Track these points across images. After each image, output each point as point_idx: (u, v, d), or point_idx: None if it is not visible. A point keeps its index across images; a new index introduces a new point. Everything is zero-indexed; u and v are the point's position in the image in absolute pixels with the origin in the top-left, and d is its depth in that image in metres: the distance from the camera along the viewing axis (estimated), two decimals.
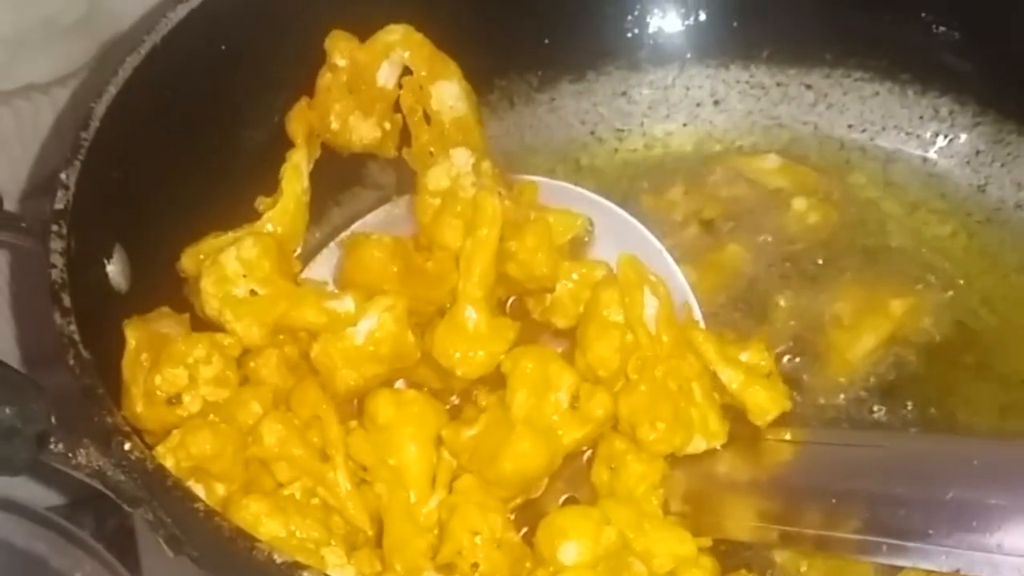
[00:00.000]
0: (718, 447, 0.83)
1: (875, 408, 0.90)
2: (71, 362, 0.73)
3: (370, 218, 0.92)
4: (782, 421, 0.84)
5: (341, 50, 0.90)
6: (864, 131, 1.04)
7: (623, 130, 1.05)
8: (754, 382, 0.83)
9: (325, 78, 0.90)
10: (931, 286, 0.95)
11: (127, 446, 0.71)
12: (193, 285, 0.83)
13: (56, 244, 0.77)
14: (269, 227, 0.86)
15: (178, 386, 0.79)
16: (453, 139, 0.90)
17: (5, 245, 0.95)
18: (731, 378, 0.83)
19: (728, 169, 1.00)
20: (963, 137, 1.02)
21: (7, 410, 0.68)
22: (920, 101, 1.03)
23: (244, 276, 0.82)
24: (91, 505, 1.13)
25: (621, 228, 0.89)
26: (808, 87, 1.04)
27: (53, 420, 0.70)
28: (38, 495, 1.07)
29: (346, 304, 0.82)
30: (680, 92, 1.06)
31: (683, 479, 0.82)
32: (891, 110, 1.03)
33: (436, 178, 0.86)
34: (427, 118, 0.90)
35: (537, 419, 0.80)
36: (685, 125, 1.06)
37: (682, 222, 0.97)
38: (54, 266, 0.76)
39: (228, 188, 0.88)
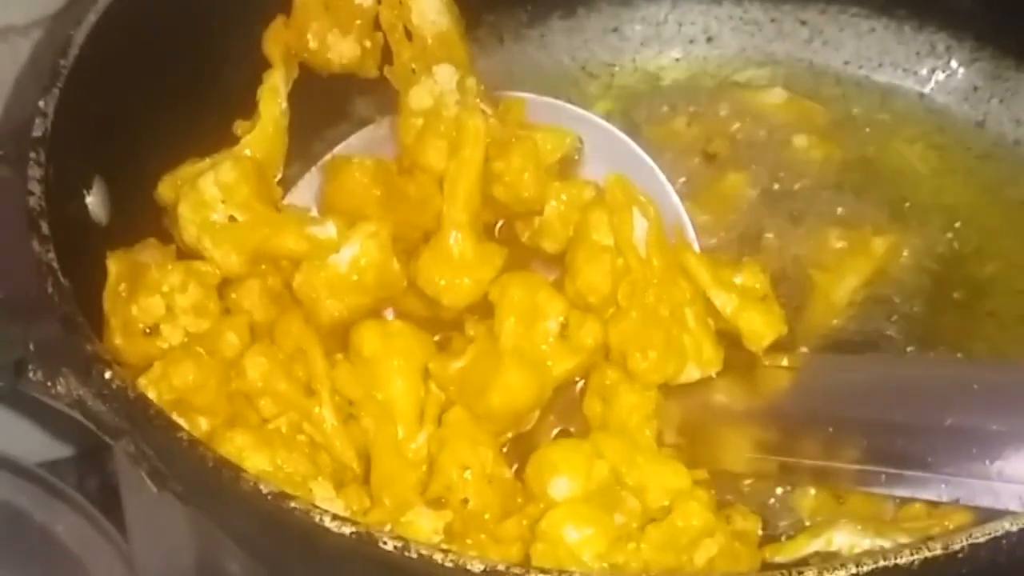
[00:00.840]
0: (713, 375, 0.81)
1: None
2: (49, 290, 0.71)
3: (353, 140, 0.89)
4: (778, 347, 0.82)
5: None
6: (860, 67, 1.02)
7: (614, 66, 1.04)
8: (749, 306, 0.81)
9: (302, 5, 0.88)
10: (925, 223, 0.93)
11: (107, 374, 0.70)
12: (171, 213, 0.81)
13: (34, 172, 0.76)
14: (248, 152, 0.84)
15: (155, 316, 0.78)
16: (436, 55, 0.87)
17: None
18: (725, 302, 0.81)
19: (733, 102, 0.99)
20: (961, 73, 1.00)
21: None
22: (917, 37, 1.01)
23: (223, 201, 0.80)
24: (73, 463, 1.12)
25: (612, 145, 0.87)
26: (803, 23, 1.03)
27: (31, 347, 0.68)
28: (19, 451, 1.05)
29: (328, 230, 0.80)
30: (672, 28, 1.04)
31: (677, 409, 0.80)
32: (887, 46, 1.02)
33: (419, 97, 0.84)
34: (408, 34, 0.88)
35: (526, 349, 0.79)
36: (678, 61, 1.04)
37: (684, 153, 0.95)
38: (32, 193, 0.75)
39: (210, 118, 0.86)
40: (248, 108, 0.86)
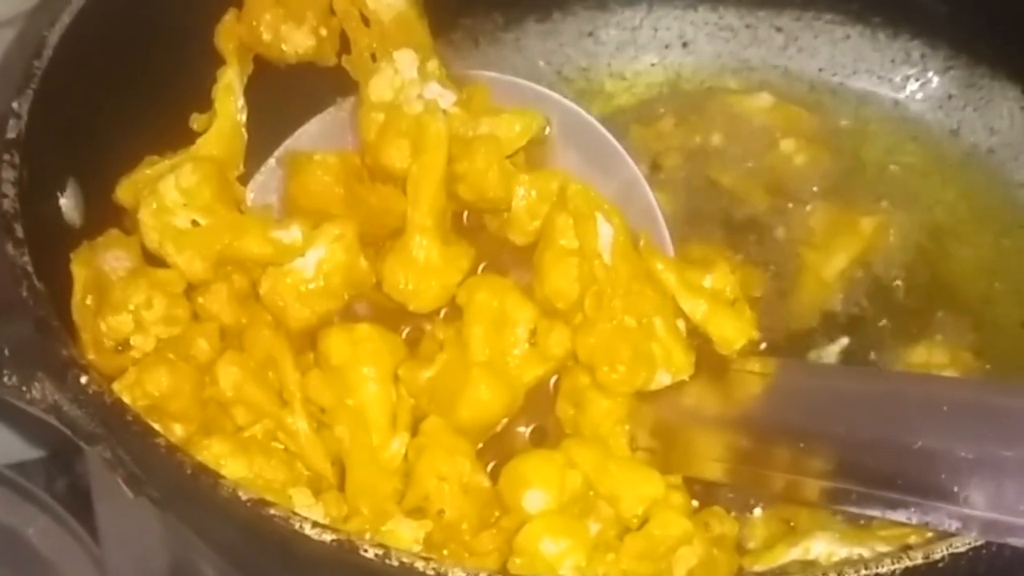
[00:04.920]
0: (685, 379, 0.80)
1: (843, 336, 0.89)
2: (24, 294, 0.71)
3: (313, 124, 0.88)
4: (751, 350, 0.81)
5: None
6: (835, 74, 1.02)
7: (589, 70, 1.03)
8: (719, 311, 0.80)
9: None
10: (904, 208, 0.94)
11: (83, 379, 0.69)
12: (132, 217, 0.80)
13: (8, 174, 0.75)
14: (205, 150, 0.83)
15: (124, 332, 0.77)
16: (395, 40, 0.85)
17: None
18: (694, 308, 0.80)
19: (719, 105, 0.99)
20: (935, 81, 1.00)
21: None
22: (892, 44, 1.01)
23: (184, 205, 0.79)
24: (41, 465, 1.10)
25: (579, 126, 0.85)
26: (778, 29, 1.03)
27: (6, 352, 0.67)
28: None
29: (292, 234, 0.79)
30: (648, 33, 1.03)
31: (650, 413, 0.79)
32: (862, 53, 1.02)
33: (379, 89, 0.82)
34: (365, 20, 0.86)
35: (495, 360, 0.78)
36: (653, 66, 1.03)
37: (667, 152, 0.96)
38: (6, 196, 0.74)
39: (185, 118, 0.85)
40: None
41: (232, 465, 0.73)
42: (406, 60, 0.83)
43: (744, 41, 1.03)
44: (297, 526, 0.64)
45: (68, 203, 0.80)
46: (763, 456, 0.77)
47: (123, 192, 0.82)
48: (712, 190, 0.95)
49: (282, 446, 0.77)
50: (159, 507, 0.73)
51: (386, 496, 0.76)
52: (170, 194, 0.79)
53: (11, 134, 0.76)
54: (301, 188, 0.81)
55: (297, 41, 0.86)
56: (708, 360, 0.81)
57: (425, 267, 0.80)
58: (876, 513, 0.73)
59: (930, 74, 1.00)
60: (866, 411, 0.76)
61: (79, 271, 0.77)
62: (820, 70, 1.02)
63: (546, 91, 0.87)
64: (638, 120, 0.99)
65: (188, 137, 0.84)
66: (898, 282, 0.91)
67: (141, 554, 0.92)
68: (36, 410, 0.70)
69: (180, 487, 0.68)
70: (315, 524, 0.64)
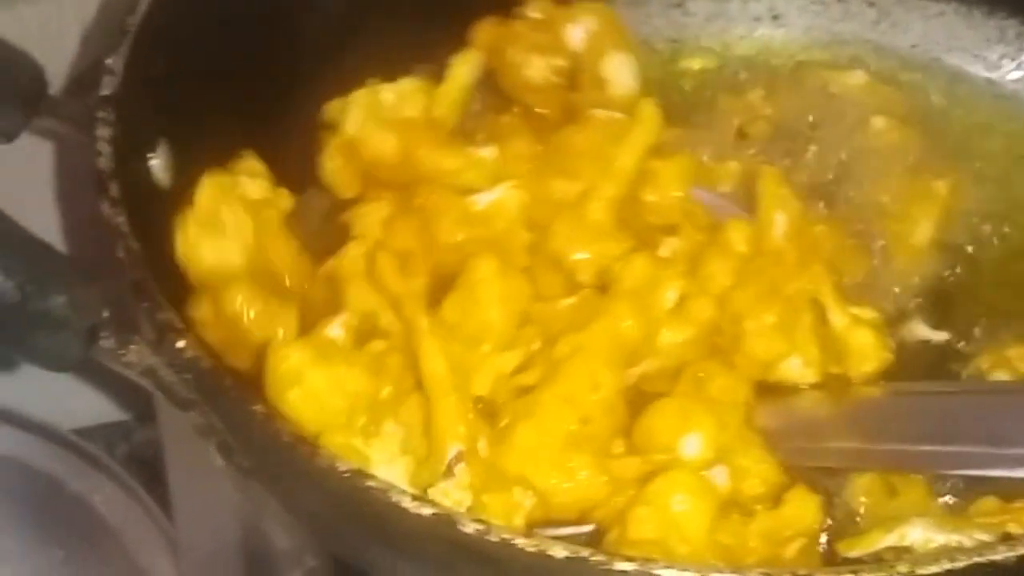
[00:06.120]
0: (806, 386, 0.80)
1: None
2: (121, 254, 0.69)
3: None
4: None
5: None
6: (928, 51, 1.00)
7: (677, 42, 1.02)
8: (863, 326, 0.80)
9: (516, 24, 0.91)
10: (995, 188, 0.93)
11: (180, 344, 0.67)
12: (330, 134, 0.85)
13: (103, 132, 0.74)
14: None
15: None
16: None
17: (49, 135, 0.91)
18: (841, 317, 0.80)
19: (810, 79, 0.97)
20: None
21: (59, 299, 0.64)
22: (987, 22, 0.99)
23: (394, 106, 0.84)
24: (101, 432, 1.10)
25: None
26: (871, 4, 1.01)
27: (105, 313, 0.66)
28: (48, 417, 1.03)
29: (488, 151, 0.83)
30: (738, 5, 1.02)
31: (762, 416, 0.78)
32: (957, 30, 1.00)
33: None
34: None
35: (638, 301, 0.77)
36: (742, 39, 1.02)
37: (754, 122, 0.94)
38: (100, 154, 0.73)
39: (284, 84, 0.85)
40: (326, 74, 0.85)
41: (312, 374, 0.72)
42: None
43: (835, 15, 1.01)
44: (395, 499, 0.63)
45: (158, 164, 0.78)
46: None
47: (332, 109, 0.86)
48: (797, 162, 0.93)
49: (368, 355, 0.75)
50: (248, 476, 0.71)
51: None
52: (385, 93, 0.85)
53: (106, 91, 0.75)
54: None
55: (536, 68, 0.90)
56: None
57: (595, 233, 0.80)
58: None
59: None
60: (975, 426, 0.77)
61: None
62: (912, 46, 1.00)
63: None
64: (726, 90, 0.97)
65: (282, 99, 0.84)
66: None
67: (214, 524, 0.91)
68: (131, 373, 0.68)
69: (275, 456, 0.67)
70: (414, 497, 0.63)
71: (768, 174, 0.84)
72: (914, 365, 0.84)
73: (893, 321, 0.86)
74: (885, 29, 1.01)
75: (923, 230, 0.89)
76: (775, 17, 1.02)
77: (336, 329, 0.76)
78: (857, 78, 0.97)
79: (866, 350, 0.80)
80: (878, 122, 0.94)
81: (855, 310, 0.82)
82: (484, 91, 0.91)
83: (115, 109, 0.74)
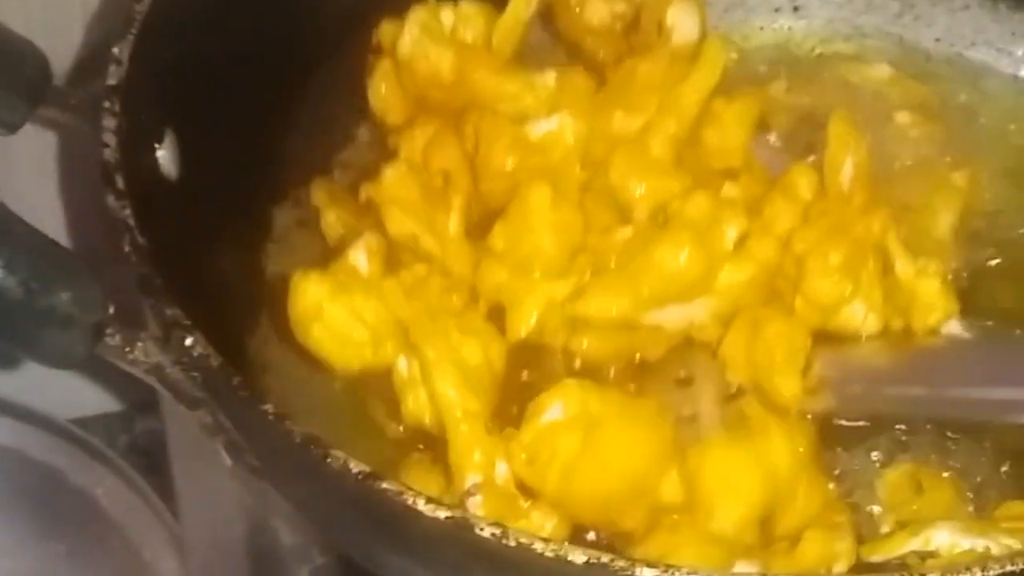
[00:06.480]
0: (866, 335, 0.79)
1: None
2: (127, 248, 0.68)
3: None
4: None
5: None
6: (952, 45, 0.99)
7: None
8: (930, 277, 0.80)
9: None
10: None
11: (188, 341, 0.66)
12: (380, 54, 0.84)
13: (108, 122, 0.72)
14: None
15: None
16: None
17: (53, 125, 0.89)
18: (906, 264, 0.79)
19: (833, 72, 0.96)
20: None
21: (63, 296, 0.62)
22: (1013, 16, 0.98)
23: (453, 29, 0.84)
24: (102, 422, 1.08)
25: None
26: None
27: (111, 310, 0.64)
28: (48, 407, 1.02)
29: (547, 78, 0.81)
30: None
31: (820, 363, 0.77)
32: (982, 24, 0.98)
33: None
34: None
35: (700, 238, 0.76)
36: (762, 30, 1.00)
37: (776, 113, 0.92)
38: (106, 145, 0.71)
39: (292, 73, 0.84)
40: (337, 64, 0.84)
41: (331, 307, 0.73)
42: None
43: (858, 7, 1.00)
44: (410, 501, 0.61)
45: (165, 155, 0.77)
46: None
47: (385, 32, 0.85)
48: (819, 156, 0.90)
49: (393, 283, 0.75)
50: (259, 477, 0.70)
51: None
52: (445, 13, 0.84)
53: (111, 80, 0.73)
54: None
55: (597, 10, 0.89)
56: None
57: (655, 168, 0.79)
58: None
59: None
60: None
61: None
62: (937, 40, 0.99)
63: None
64: (748, 81, 0.95)
65: (291, 88, 0.83)
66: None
67: (218, 518, 0.90)
68: (137, 371, 0.67)
69: (286, 457, 0.66)
70: (429, 500, 0.61)
71: (838, 116, 0.83)
72: None
73: None
74: (908, 22, 0.99)
75: (945, 222, 0.88)
76: (796, 8, 1.00)
77: (360, 255, 0.76)
78: (882, 71, 0.96)
79: (933, 300, 0.79)
80: (902, 116, 0.93)
81: (921, 260, 0.80)
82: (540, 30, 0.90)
83: (121, 99, 0.73)
